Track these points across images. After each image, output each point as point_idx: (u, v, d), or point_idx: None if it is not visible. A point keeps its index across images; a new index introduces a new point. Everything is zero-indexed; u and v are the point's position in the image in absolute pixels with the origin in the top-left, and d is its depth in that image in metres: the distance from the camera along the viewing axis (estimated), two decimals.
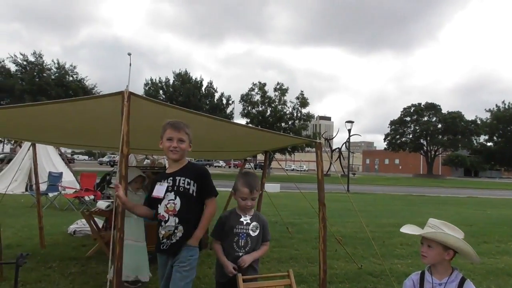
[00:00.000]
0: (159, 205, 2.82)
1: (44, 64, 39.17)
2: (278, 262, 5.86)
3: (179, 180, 2.83)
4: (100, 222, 6.65)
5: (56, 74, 39.38)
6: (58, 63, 39.93)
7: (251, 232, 2.89)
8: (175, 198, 2.79)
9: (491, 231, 9.45)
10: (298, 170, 67.21)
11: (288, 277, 2.88)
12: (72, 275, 4.89)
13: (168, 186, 2.82)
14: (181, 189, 2.80)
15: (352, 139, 34.55)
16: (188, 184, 2.82)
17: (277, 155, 45.76)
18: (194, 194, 2.82)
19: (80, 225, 7.48)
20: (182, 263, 2.70)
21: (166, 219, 2.77)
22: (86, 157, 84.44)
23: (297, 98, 44.10)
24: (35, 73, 38.42)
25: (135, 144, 4.92)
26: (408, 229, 2.61)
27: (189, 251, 2.74)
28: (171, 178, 2.85)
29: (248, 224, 2.91)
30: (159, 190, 2.83)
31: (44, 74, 38.62)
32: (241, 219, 2.93)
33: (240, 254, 2.86)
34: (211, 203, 2.88)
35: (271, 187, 21.22)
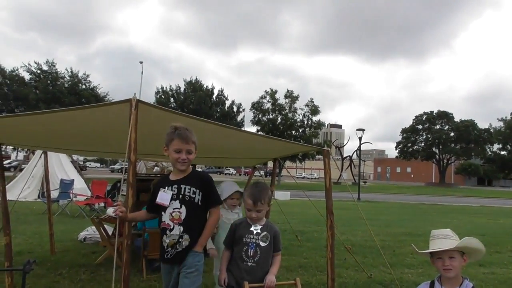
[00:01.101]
0: (163, 213, 2.81)
1: (58, 72, 39.87)
2: (287, 271, 5.82)
3: (184, 188, 2.83)
4: (110, 229, 6.71)
5: (70, 83, 40.01)
6: (72, 72, 40.65)
7: (260, 243, 2.85)
8: (181, 206, 2.79)
9: (504, 240, 9.28)
10: (308, 178, 66.95)
11: (295, 286, 2.87)
12: (82, 282, 4.92)
13: (172, 194, 2.82)
14: (187, 197, 2.81)
15: (363, 147, 34.36)
16: (194, 193, 2.82)
17: (288, 163, 45.68)
18: (200, 203, 2.83)
19: (91, 232, 7.54)
20: (189, 269, 2.71)
21: (171, 227, 2.77)
22: (98, 165, 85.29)
23: (307, 105, 44.07)
24: (49, 82, 39.10)
25: (145, 150, 4.98)
26: (431, 248, 2.53)
27: (195, 257, 2.75)
28: (176, 186, 2.84)
29: (258, 234, 2.88)
30: (164, 197, 2.82)
31: (58, 83, 39.27)
32: (251, 229, 2.90)
33: (249, 264, 2.82)
34: (215, 212, 2.90)
35: (281, 195, 21.18)
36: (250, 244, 2.86)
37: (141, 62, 39.79)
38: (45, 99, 36.44)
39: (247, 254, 2.84)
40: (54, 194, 12.87)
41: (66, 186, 12.76)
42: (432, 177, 76.03)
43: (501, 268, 6.51)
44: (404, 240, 8.66)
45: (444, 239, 2.42)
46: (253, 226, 2.90)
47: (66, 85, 39.62)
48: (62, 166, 15.50)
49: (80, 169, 20.54)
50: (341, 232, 9.04)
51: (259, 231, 2.89)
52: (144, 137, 4.15)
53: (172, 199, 2.80)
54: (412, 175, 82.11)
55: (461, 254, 2.39)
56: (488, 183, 76.07)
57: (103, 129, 4.00)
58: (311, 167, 74.50)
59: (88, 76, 41.45)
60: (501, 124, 62.36)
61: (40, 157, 15.41)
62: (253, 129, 42.43)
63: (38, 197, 13.79)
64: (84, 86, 40.63)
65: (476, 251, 2.43)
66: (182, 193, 2.82)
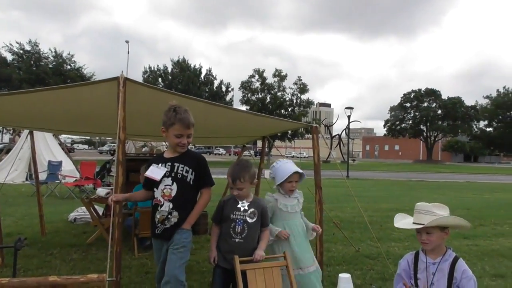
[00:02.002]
0: (155, 189, 2.86)
1: (41, 52, 38.90)
2: None
3: (178, 166, 2.86)
4: (100, 210, 6.72)
5: (54, 63, 39.13)
6: (55, 52, 39.64)
7: (248, 219, 2.90)
8: (172, 184, 2.83)
9: (488, 214, 9.55)
10: (298, 157, 67.34)
11: (284, 259, 2.94)
12: (73, 261, 4.95)
13: (166, 172, 2.85)
14: (179, 176, 2.84)
15: (352, 126, 34.57)
16: (187, 172, 2.86)
17: (277, 142, 45.80)
18: (191, 182, 2.87)
19: (81, 212, 7.54)
20: (176, 245, 2.75)
21: (162, 203, 2.82)
22: (86, 146, 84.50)
23: (295, 84, 43.96)
24: (32, 62, 38.17)
25: (133, 130, 4.94)
26: (402, 223, 2.62)
27: (183, 233, 2.80)
28: (170, 163, 2.87)
29: (245, 210, 2.92)
30: (156, 172, 2.85)
31: (41, 63, 38.38)
32: (239, 205, 2.95)
33: (237, 240, 2.87)
34: (206, 192, 2.94)
35: (268, 173, 21.30)
36: (237, 220, 2.90)
37: (127, 42, 38.91)
38: (29, 80, 35.62)
39: (234, 231, 2.89)
40: (42, 176, 12.78)
41: (54, 167, 12.66)
42: (419, 154, 77.07)
43: (485, 240, 6.72)
44: (391, 216, 8.75)
45: (423, 215, 2.45)
46: (240, 203, 2.95)
47: (51, 66, 38.74)
48: (49, 148, 15.32)
49: (68, 151, 20.35)
50: (329, 208, 9.20)
51: (246, 207, 2.94)
52: (132, 116, 4.11)
53: (164, 175, 2.84)
54: (400, 153, 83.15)
55: (441, 228, 2.44)
56: (474, 159, 77.47)
57: (91, 108, 3.95)
58: (300, 146, 74.84)
59: (72, 56, 40.46)
60: (487, 101, 63.11)
61: (26, 138, 15.23)
62: (242, 108, 42.27)
63: (26, 179, 13.68)
64: (69, 67, 39.78)
65: (455, 226, 2.50)
66: (175, 170, 2.85)
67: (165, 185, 2.83)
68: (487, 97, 62.96)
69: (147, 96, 3.70)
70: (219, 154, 72.26)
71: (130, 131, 4.98)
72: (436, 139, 65.18)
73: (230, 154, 67.68)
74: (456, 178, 27.15)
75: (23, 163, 14.55)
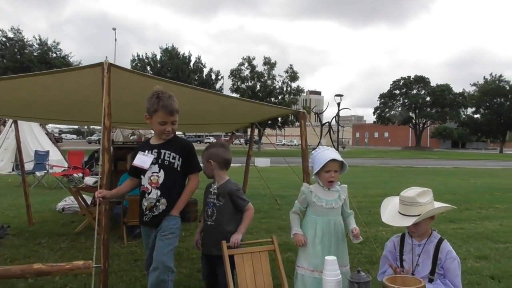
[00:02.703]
0: (143, 177, 2.83)
1: (25, 40, 38.09)
2: (266, 232, 5.96)
3: (165, 153, 2.83)
4: (88, 199, 6.67)
5: (39, 51, 38.37)
6: (40, 39, 38.82)
7: (216, 202, 2.94)
8: (159, 171, 2.80)
9: (474, 199, 9.74)
10: (288, 145, 67.50)
11: (272, 243, 2.95)
12: (61, 250, 4.93)
13: (153, 159, 2.82)
14: (166, 162, 2.81)
15: (343, 113, 34.66)
16: (174, 158, 2.83)
17: (268, 130, 45.81)
18: (179, 168, 2.84)
19: (69, 202, 7.48)
20: (164, 232, 2.74)
21: (149, 191, 2.80)
22: (74, 136, 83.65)
23: (286, 72, 43.83)
24: (16, 50, 37.38)
25: (120, 118, 4.89)
26: (388, 217, 2.57)
27: (171, 220, 2.79)
28: (156, 150, 2.84)
29: (215, 193, 2.96)
30: (143, 160, 2.81)
31: (26, 51, 37.59)
32: (211, 189, 3.01)
33: (209, 223, 2.94)
34: (194, 178, 2.92)
35: (262, 162, 21.43)
36: (209, 203, 2.97)
37: (114, 29, 38.56)
38: (13, 68, 34.85)
39: (207, 214, 2.97)
40: (29, 166, 12.62)
41: (41, 157, 12.50)
42: (408, 141, 77.81)
43: (470, 224, 6.86)
44: (380, 201, 8.79)
45: (409, 206, 2.42)
46: (212, 186, 3.01)
47: (35, 54, 37.98)
48: (36, 137, 15.08)
49: (56, 141, 20.08)
50: None
51: (215, 190, 2.97)
52: (119, 104, 4.06)
53: (151, 163, 2.81)
54: (390, 140, 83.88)
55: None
56: (462, 146, 78.61)
57: (76, 95, 3.90)
58: (291, 134, 75.02)
59: (58, 44, 39.66)
60: (475, 88, 63.70)
61: (11, 127, 14.96)
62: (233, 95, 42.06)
63: (13, 170, 13.50)
64: (54, 55, 39.04)
65: (441, 213, 2.53)
66: (161, 157, 2.82)
67: (152, 172, 2.80)
68: (474, 84, 63.54)
69: (134, 83, 3.65)
70: (209, 142, 72.03)
71: (117, 118, 4.94)
72: (425, 126, 65.78)
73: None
74: (443, 164, 27.53)
75: (8, 154, 14.34)
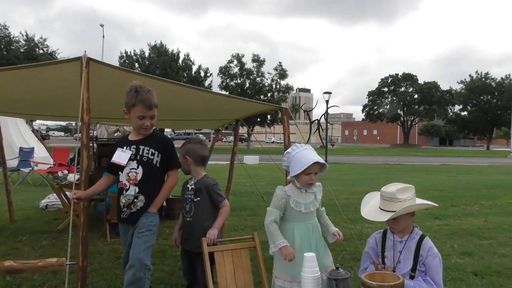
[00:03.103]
0: (120, 173, 2.79)
1: (12, 36, 37.48)
2: (252, 230, 5.91)
3: (143, 149, 2.79)
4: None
5: (25, 47, 37.79)
6: (27, 35, 38.28)
7: (193, 197, 2.92)
8: (138, 167, 2.76)
9: (459, 195, 9.82)
10: (278, 143, 67.59)
11: (253, 240, 2.92)
12: (43, 247, 4.84)
13: (131, 155, 2.77)
14: (144, 158, 2.77)
15: (332, 111, 34.79)
16: (152, 154, 2.78)
17: (257, 128, 45.79)
18: (158, 165, 2.80)
19: (52, 199, 7.36)
20: (141, 229, 2.70)
21: (127, 187, 2.75)
22: (62, 133, 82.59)
23: (276, 69, 43.82)
24: (2, 46, 36.77)
25: (103, 113, 4.81)
26: (368, 212, 2.59)
27: (148, 217, 2.74)
28: (134, 146, 2.79)
29: (192, 189, 2.94)
30: (121, 156, 2.77)
31: (12, 47, 37.00)
32: (188, 185, 2.99)
33: (187, 219, 2.92)
34: (173, 175, 2.87)
35: (250, 159, 21.41)
36: (186, 200, 2.95)
37: (101, 25, 37.94)
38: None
39: (185, 210, 2.95)
40: (14, 163, 12.41)
41: (25, 154, 12.30)
42: (396, 138, 78.54)
43: (455, 220, 6.91)
44: None
45: (388, 202, 2.43)
46: (189, 182, 3.00)
47: (22, 50, 37.41)
48: (21, 134, 14.82)
49: (43, 138, 19.78)
50: None
51: (193, 186, 2.95)
52: (102, 99, 3.99)
53: (129, 159, 2.76)
54: (378, 137, 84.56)
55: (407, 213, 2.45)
56: (449, 143, 79.53)
57: (56, 90, 3.81)
58: (280, 132, 75.11)
59: (45, 40, 39.17)
60: (462, 86, 64.47)
61: None
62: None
63: None
64: (41, 51, 38.47)
65: (420, 209, 2.52)
66: (140, 153, 2.78)
67: (130, 169, 2.75)
68: (461, 82, 64.32)
69: (115, 78, 3.58)
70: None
71: (100, 114, 4.87)
72: (413, 123, 66.38)
73: (210, 140, 67.31)
74: (431, 161, 27.82)
75: None
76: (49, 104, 4.70)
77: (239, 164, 7.77)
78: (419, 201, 2.51)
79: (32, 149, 12.84)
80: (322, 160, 2.58)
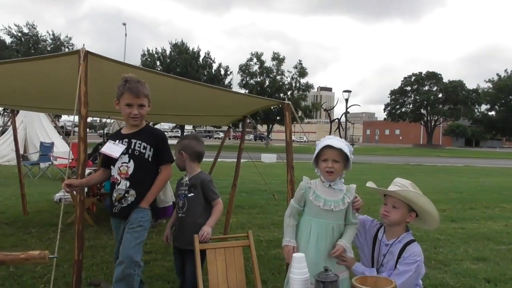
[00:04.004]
0: (112, 167, 2.76)
1: (39, 35, 38.68)
2: (259, 228, 5.87)
3: (135, 143, 2.75)
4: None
5: (52, 46, 38.89)
6: (53, 34, 39.46)
7: (188, 193, 2.87)
8: (129, 161, 2.72)
9: (480, 198, 9.46)
10: (297, 141, 67.24)
11: (247, 238, 2.85)
12: (49, 240, 4.91)
13: (123, 149, 2.74)
14: (136, 152, 2.73)
15: (353, 110, 34.34)
16: (144, 148, 2.74)
17: (277, 126, 45.63)
18: (150, 159, 2.75)
19: (66, 193, 7.48)
20: (132, 225, 2.66)
21: (118, 182, 2.73)
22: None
23: (295, 67, 43.52)
24: (30, 45, 37.94)
25: (109, 108, 4.80)
26: (374, 184, 2.53)
27: (139, 212, 2.69)
28: (127, 140, 2.77)
29: (187, 185, 2.90)
30: (113, 149, 2.75)
31: (39, 46, 38.14)
32: (182, 181, 2.96)
33: (180, 215, 2.88)
34: (166, 169, 2.82)
35: (268, 158, 21.43)
36: (180, 195, 2.91)
37: (124, 24, 38.60)
38: None
39: (179, 206, 2.91)
40: (35, 157, 12.75)
41: (46, 149, 12.61)
42: (420, 139, 76.82)
43: (472, 223, 6.65)
44: (380, 199, 8.75)
45: (398, 187, 2.34)
46: (184, 177, 2.96)
47: (49, 49, 38.51)
48: (45, 130, 15.25)
49: (67, 134, 20.26)
50: None
51: (187, 181, 2.91)
52: (104, 92, 3.98)
53: (121, 153, 2.73)
54: (401, 137, 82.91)
55: (408, 209, 2.31)
56: (476, 144, 77.15)
57: (56, 84, 3.82)
58: (300, 131, 74.67)
59: (70, 39, 40.47)
60: (489, 85, 62.48)
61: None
62: (241, 92, 41.95)
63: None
64: (67, 49, 39.50)
65: (424, 211, 2.33)
66: (132, 147, 2.74)
67: (122, 163, 2.72)
68: (489, 81, 62.29)
69: (117, 72, 3.56)
70: (219, 138, 72.17)
71: (106, 108, 4.88)
72: (437, 123, 64.64)
73: (230, 138, 67.52)
74: (455, 162, 26.99)
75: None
76: (50, 97, 4.71)
77: (253, 162, 7.73)
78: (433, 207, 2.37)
79: (52, 143, 13.15)
80: (337, 145, 2.30)
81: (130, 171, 2.70)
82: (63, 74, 3.51)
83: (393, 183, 2.42)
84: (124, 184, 2.69)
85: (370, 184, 2.50)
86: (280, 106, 3.76)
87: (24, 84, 3.85)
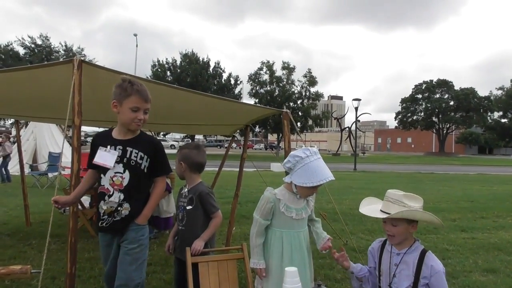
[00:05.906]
0: (102, 176, 2.50)
1: (52, 46, 39.41)
2: None
3: (131, 152, 2.49)
4: (85, 201, 6.63)
5: (64, 57, 39.56)
6: (66, 46, 40.14)
7: (186, 206, 2.76)
8: (124, 171, 2.47)
9: (492, 206, 9.20)
10: None
11: (242, 251, 2.75)
12: (49, 252, 4.83)
13: (116, 156, 2.49)
14: (132, 163, 2.48)
15: (365, 118, 34.10)
16: (141, 158, 2.50)
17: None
18: (145, 170, 2.52)
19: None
20: (132, 245, 2.44)
21: (111, 193, 2.46)
22: None
23: (305, 76, 43.50)
24: (43, 56, 38.62)
25: (105, 117, 4.79)
26: (367, 209, 2.43)
27: (139, 231, 2.49)
28: (121, 147, 2.50)
29: (186, 196, 2.80)
30: (106, 158, 2.48)
31: (52, 57, 38.80)
32: (182, 192, 2.86)
33: (180, 227, 2.79)
34: (161, 182, 2.61)
35: (277, 167, 21.32)
36: (180, 207, 2.82)
37: (135, 35, 39.20)
38: None
39: (179, 218, 2.82)
40: (43, 167, 12.86)
41: (54, 159, 12.71)
42: (432, 147, 75.80)
43: (483, 233, 6.45)
44: None
45: (392, 203, 2.23)
46: (183, 189, 2.86)
47: (61, 59, 39.13)
48: (55, 140, 15.38)
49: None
50: (327, 201, 8.97)
51: (186, 193, 2.81)
52: (99, 102, 3.95)
53: (115, 161, 2.47)
54: (413, 145, 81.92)
55: (408, 221, 2.22)
56: (489, 151, 75.75)
57: (50, 93, 3.81)
58: (310, 139, 74.42)
59: (82, 50, 41.08)
60: (502, 92, 61.54)
61: (32, 132, 15.34)
62: (251, 101, 42.02)
63: (29, 171, 13.76)
64: None
65: (424, 219, 2.25)
66: (127, 156, 2.48)
67: (115, 173, 2.47)
68: (500, 88, 61.44)
69: (113, 81, 3.54)
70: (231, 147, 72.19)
71: (97, 117, 4.86)
72: (449, 131, 63.81)
73: (240, 148, 67.54)
74: (467, 170, 26.48)
75: (27, 155, 14.63)
76: (46, 107, 4.69)
77: (259, 171, 7.65)
78: (426, 213, 2.27)
79: (61, 153, 13.21)
80: (333, 177, 2.28)
81: (125, 182, 2.47)
82: (58, 83, 3.50)
83: (385, 197, 2.31)
84: (117, 197, 2.46)
85: (364, 210, 2.41)
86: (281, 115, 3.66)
87: (19, 93, 3.85)
